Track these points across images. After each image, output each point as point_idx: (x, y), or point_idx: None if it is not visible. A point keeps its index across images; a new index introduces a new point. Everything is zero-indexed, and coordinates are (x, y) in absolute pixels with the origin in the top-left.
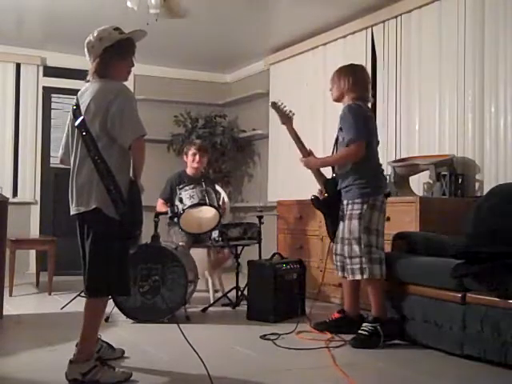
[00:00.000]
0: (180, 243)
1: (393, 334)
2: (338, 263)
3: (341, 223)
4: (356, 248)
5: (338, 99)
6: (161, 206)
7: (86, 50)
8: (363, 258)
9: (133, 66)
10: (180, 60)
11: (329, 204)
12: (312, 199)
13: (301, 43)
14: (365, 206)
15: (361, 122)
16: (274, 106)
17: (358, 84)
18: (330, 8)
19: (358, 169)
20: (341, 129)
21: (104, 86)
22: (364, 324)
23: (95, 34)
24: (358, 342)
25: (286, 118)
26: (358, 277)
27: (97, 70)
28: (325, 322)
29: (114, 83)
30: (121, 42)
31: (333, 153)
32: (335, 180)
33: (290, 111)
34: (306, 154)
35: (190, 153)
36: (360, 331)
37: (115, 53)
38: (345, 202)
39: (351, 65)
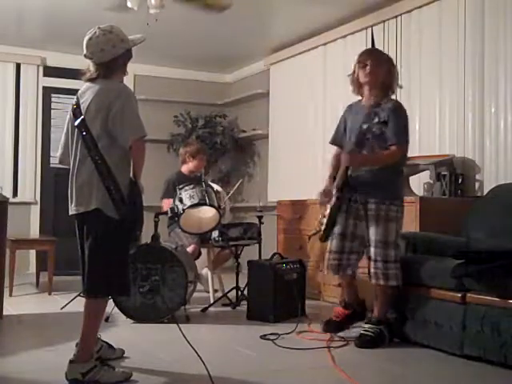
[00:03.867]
0: (191, 246)
1: (392, 335)
2: (344, 261)
3: (362, 223)
4: (392, 253)
5: (375, 85)
6: (168, 205)
7: (92, 49)
8: (398, 264)
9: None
10: (180, 60)
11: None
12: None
13: (301, 43)
14: (400, 210)
15: (407, 124)
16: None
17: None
18: (330, 8)
19: (395, 169)
20: (384, 122)
21: (106, 85)
22: (367, 325)
23: (106, 38)
24: (363, 342)
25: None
26: (393, 283)
27: (107, 70)
28: (332, 320)
29: (115, 83)
30: (127, 51)
31: (360, 143)
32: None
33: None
34: (353, 149)
35: (191, 155)
36: (364, 332)
37: (129, 56)
38: (373, 201)
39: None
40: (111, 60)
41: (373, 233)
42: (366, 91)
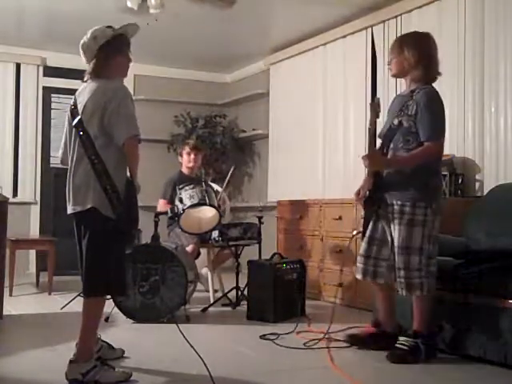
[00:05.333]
0: (190, 246)
1: (433, 351)
2: (370, 267)
3: (390, 227)
4: (416, 259)
5: (403, 74)
6: (163, 207)
7: (81, 51)
8: (422, 272)
9: (130, 61)
10: (180, 60)
11: (374, 205)
12: (365, 201)
13: (301, 43)
14: (429, 211)
15: (442, 115)
16: (375, 105)
17: (432, 58)
18: (330, 8)
19: (427, 167)
20: (413, 115)
21: (102, 84)
22: (403, 338)
23: (88, 35)
24: (396, 357)
25: (376, 117)
26: (418, 293)
27: (94, 69)
28: (357, 334)
29: (112, 82)
30: (116, 38)
31: (386, 140)
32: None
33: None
34: (375, 151)
35: (185, 152)
36: (398, 345)
37: (112, 49)
38: (397, 202)
39: (419, 33)
40: (96, 54)
41: (396, 238)
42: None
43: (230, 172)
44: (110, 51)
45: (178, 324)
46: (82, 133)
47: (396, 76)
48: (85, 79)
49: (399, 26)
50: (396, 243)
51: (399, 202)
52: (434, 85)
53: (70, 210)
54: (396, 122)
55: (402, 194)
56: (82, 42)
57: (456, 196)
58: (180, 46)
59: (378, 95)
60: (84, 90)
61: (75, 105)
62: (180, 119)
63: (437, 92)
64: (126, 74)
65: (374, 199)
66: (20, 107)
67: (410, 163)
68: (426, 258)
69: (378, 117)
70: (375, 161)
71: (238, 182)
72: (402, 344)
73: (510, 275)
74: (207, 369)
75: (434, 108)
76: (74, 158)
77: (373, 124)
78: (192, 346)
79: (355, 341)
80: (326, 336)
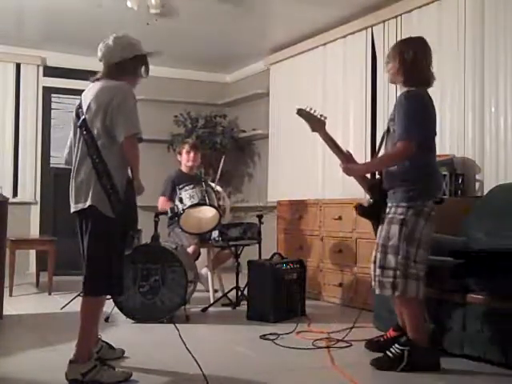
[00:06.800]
0: (192, 246)
1: (421, 365)
2: (372, 272)
3: (380, 227)
4: (391, 258)
5: (391, 81)
6: (164, 204)
7: (101, 49)
8: (397, 272)
9: (142, 77)
10: (180, 60)
11: (376, 210)
12: (356, 207)
13: (301, 43)
14: (410, 212)
15: (417, 117)
16: (301, 112)
17: (415, 62)
18: (330, 8)
19: (406, 168)
20: (393, 119)
21: (106, 85)
22: (395, 345)
23: (117, 41)
24: (378, 362)
25: (318, 124)
26: (388, 292)
27: (107, 74)
28: (378, 341)
29: (115, 82)
30: (140, 57)
31: (380, 145)
32: (381, 181)
33: (322, 115)
34: (345, 159)
35: (184, 151)
36: (388, 351)
37: (130, 67)
38: (389, 205)
39: (407, 39)
40: (119, 62)
41: (378, 236)
42: None
43: (222, 162)
44: (139, 63)
45: (175, 324)
46: (85, 132)
47: (392, 81)
48: (92, 79)
49: (399, 26)
50: (377, 241)
51: (389, 205)
52: (436, 86)
53: (72, 208)
54: (387, 128)
55: (392, 196)
56: (107, 42)
57: (456, 196)
58: (180, 46)
59: (379, 96)
60: (90, 90)
61: (80, 105)
62: (180, 119)
63: (415, 94)
64: (134, 87)
65: (370, 206)
66: (20, 107)
67: (381, 165)
68: (403, 259)
69: (321, 122)
70: (350, 168)
71: (238, 181)
72: (389, 351)
73: (510, 275)
74: (200, 368)
75: (406, 109)
76: (78, 158)
77: (321, 132)
78: (186, 347)
79: (373, 346)
80: (327, 336)
